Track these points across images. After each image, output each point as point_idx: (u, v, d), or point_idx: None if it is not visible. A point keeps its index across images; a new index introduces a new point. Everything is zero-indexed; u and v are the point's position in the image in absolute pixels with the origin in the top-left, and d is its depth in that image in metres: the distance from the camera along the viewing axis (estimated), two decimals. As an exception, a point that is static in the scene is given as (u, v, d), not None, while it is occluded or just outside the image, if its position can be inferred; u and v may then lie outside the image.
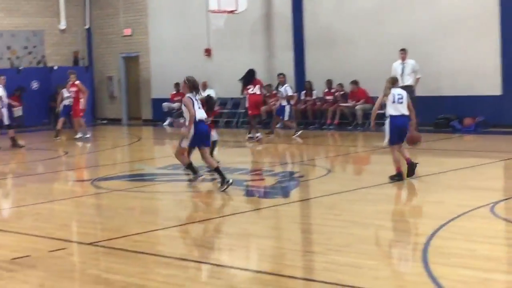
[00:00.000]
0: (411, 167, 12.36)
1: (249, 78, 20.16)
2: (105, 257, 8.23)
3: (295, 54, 23.87)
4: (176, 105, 26.08)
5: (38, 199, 12.44)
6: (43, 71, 27.94)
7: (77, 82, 22.16)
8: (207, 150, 12.53)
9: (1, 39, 27.53)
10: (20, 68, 27.34)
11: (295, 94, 22.06)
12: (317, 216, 10.11)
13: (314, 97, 23.08)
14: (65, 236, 9.39)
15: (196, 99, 12.39)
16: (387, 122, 12.38)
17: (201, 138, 12.34)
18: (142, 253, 8.14)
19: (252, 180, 13.38)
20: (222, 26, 23.08)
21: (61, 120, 22.40)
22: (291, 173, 14.07)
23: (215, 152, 14.96)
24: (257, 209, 10.54)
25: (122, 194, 12.58)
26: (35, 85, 27.21)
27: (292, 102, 21.29)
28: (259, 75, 23.74)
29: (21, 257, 8.07)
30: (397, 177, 12.28)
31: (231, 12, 22.48)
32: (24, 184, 14.38)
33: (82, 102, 21.95)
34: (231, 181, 11.92)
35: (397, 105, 12.31)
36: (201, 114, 12.29)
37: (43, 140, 22.86)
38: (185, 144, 12.53)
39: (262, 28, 24.70)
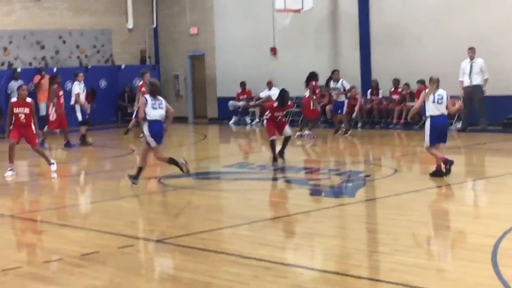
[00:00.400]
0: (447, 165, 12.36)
1: (307, 80, 20.35)
2: (172, 254, 8.31)
3: (361, 53, 23.72)
4: (241, 103, 26.19)
5: (107, 196, 12.64)
6: (111, 70, 28.35)
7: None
8: (160, 147, 13.09)
9: (70, 38, 28.01)
10: (88, 66, 27.78)
11: (352, 86, 21.98)
12: (383, 216, 10.03)
13: (380, 96, 22.89)
14: (133, 233, 9.52)
15: (154, 100, 12.83)
16: (427, 122, 12.47)
17: (154, 137, 12.89)
18: (209, 250, 8.19)
19: (318, 179, 13.34)
20: (288, 25, 23.06)
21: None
22: (357, 173, 13.98)
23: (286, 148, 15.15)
24: (323, 209, 10.51)
25: (189, 192, 12.69)
26: (103, 83, 27.62)
27: (349, 95, 21.44)
28: (325, 74, 23.68)
29: (91, 253, 8.20)
30: (436, 174, 12.44)
31: (297, 11, 22.46)
32: (93, 181, 14.61)
33: None
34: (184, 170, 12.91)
35: (437, 105, 12.48)
36: (155, 114, 12.78)
37: (111, 138, 23.19)
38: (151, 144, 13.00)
39: (328, 26, 24.62)
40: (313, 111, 20.70)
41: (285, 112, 16.01)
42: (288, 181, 13.09)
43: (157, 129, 12.94)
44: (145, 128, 12.90)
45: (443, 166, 12.35)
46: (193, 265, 7.57)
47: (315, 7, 22.72)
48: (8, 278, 7.44)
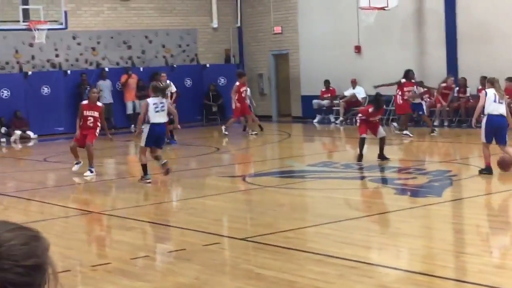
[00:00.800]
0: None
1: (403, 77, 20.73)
2: (257, 253, 8.34)
3: (447, 51, 23.35)
4: (326, 102, 26.12)
5: (192, 194, 12.77)
6: (196, 69, 28.63)
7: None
8: (158, 150, 13.76)
9: (156, 38, 28.42)
10: (174, 66, 28.13)
11: (426, 89, 21.79)
12: (471, 216, 9.86)
13: (467, 94, 22.47)
14: (218, 231, 9.60)
15: (159, 103, 13.41)
16: (484, 119, 12.74)
17: (155, 139, 13.54)
18: (294, 249, 8.19)
19: (404, 179, 13.19)
20: (372, 23, 22.87)
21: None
22: (444, 172, 13.76)
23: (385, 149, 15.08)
24: (408, 208, 10.39)
25: (273, 190, 12.72)
26: (188, 82, 27.93)
27: (426, 98, 21.71)
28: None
29: (177, 251, 8.30)
30: (485, 171, 12.62)
31: (382, 8, 22.25)
32: (178, 179, 14.78)
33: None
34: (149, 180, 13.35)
35: (497, 105, 12.61)
36: (158, 118, 13.37)
37: (196, 136, 23.43)
38: (143, 143, 13.58)
39: (413, 24, 24.32)
40: (399, 108, 20.76)
41: (380, 116, 15.92)
42: (373, 180, 12.99)
43: (160, 132, 13.60)
44: (146, 130, 13.41)
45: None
46: (278, 264, 7.58)
47: (400, 5, 22.46)
48: (97, 273, 7.60)
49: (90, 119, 14.81)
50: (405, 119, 20.88)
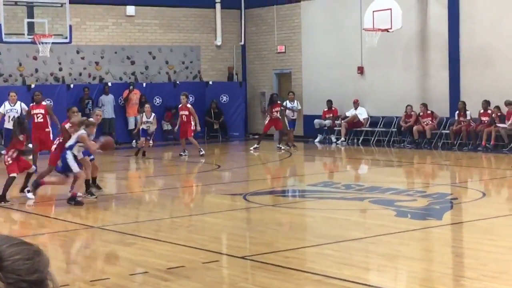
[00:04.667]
0: None
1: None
2: (256, 272, 8.32)
3: (450, 73, 23.40)
4: (327, 122, 26.14)
5: (192, 211, 12.77)
6: (198, 86, 28.67)
7: (189, 105, 22.33)
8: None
9: (160, 54, 28.50)
10: (177, 82, 28.18)
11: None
12: (471, 240, 9.84)
13: (468, 117, 22.49)
14: (217, 249, 9.59)
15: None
16: None
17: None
18: (293, 269, 8.18)
19: (404, 201, 13.17)
20: (376, 44, 22.93)
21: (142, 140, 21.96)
22: (444, 195, 13.75)
23: None
24: (408, 231, 10.37)
25: (273, 209, 12.72)
26: (190, 99, 27.94)
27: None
28: (414, 93, 23.57)
29: (176, 267, 8.28)
30: None
31: (386, 30, 22.31)
32: (178, 196, 14.78)
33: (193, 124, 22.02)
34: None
35: None
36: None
37: (197, 153, 23.40)
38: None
39: (417, 46, 24.38)
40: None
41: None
42: (373, 202, 12.98)
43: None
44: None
45: None
46: (277, 283, 7.56)
47: (404, 27, 22.53)
48: (96, 289, 7.58)
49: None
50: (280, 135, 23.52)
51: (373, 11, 22.39)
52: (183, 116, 21.67)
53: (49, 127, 18.20)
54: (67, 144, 13.43)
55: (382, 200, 13.03)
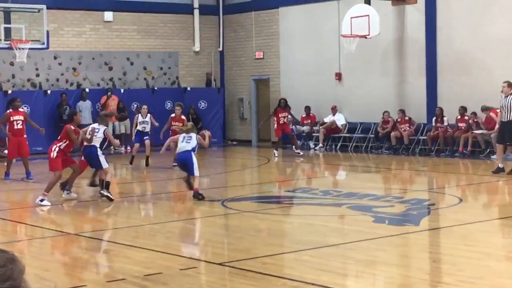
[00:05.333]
0: None
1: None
2: (234, 278, 8.31)
3: (427, 80, 23.52)
4: (306, 128, 26.18)
5: (170, 217, 12.74)
6: (176, 92, 28.62)
7: (183, 117, 21.34)
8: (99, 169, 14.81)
9: (138, 60, 28.43)
10: (155, 88, 28.13)
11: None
12: (448, 246, 9.89)
13: (445, 123, 22.62)
14: (195, 255, 9.57)
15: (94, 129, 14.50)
16: None
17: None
18: (271, 275, 8.17)
19: (382, 207, 13.21)
20: (354, 51, 23.01)
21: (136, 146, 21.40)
22: (422, 201, 13.81)
23: None
24: (386, 236, 10.40)
25: (252, 215, 12.71)
26: (168, 105, 27.89)
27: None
28: (391, 100, 23.75)
29: (154, 274, 8.25)
30: None
31: (363, 36, 22.40)
32: (156, 202, 14.73)
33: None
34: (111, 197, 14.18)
35: None
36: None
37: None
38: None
39: (394, 53, 24.50)
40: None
41: None
42: (351, 208, 13.01)
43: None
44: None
45: None
46: (255, 290, 7.56)
47: (382, 33, 22.63)
48: (73, 296, 7.54)
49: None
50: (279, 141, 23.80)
51: (351, 18, 22.48)
52: (176, 128, 20.65)
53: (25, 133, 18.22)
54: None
55: (360, 206, 13.07)
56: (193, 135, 14.40)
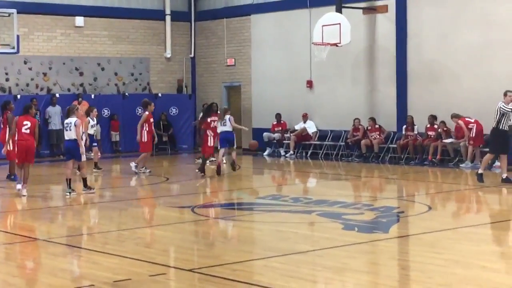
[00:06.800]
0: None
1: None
2: (203, 284, 8.30)
3: (397, 88, 23.67)
4: (276, 135, 26.22)
5: (140, 223, 12.69)
6: (148, 98, 28.48)
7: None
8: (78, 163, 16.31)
9: (109, 66, 28.33)
10: (126, 94, 28.02)
11: None
12: (417, 253, 9.95)
13: (415, 132, 22.77)
14: (165, 261, 9.54)
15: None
16: None
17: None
18: (240, 282, 8.17)
19: (351, 214, 13.26)
20: (325, 59, 23.11)
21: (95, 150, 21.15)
22: (391, 208, 13.88)
23: None
24: (355, 244, 10.45)
25: (221, 222, 12.71)
26: (139, 111, 27.77)
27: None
28: (361, 108, 23.92)
29: (123, 280, 8.22)
30: None
31: (334, 44, 22.51)
32: (126, 208, 14.67)
33: None
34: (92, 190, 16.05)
35: None
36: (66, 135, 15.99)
37: (146, 165, 23.28)
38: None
39: (365, 61, 24.63)
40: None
41: None
42: (321, 215, 13.04)
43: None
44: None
45: None
46: (224, 296, 7.55)
47: (353, 42, 22.77)
48: (40, 302, 7.48)
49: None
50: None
51: (322, 26, 22.60)
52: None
53: None
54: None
55: (330, 213, 13.11)
56: (227, 117, 19.85)
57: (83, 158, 16.11)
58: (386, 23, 23.91)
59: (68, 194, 15.74)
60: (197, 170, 19.85)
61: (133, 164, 20.27)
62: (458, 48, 22.22)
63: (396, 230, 11.70)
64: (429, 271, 8.53)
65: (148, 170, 20.36)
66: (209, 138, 19.77)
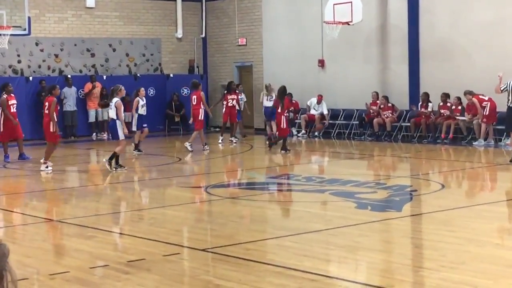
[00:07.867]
0: None
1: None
2: (217, 264, 8.33)
3: (409, 67, 23.58)
4: (288, 114, 26.15)
5: (153, 204, 12.73)
6: (159, 78, 28.57)
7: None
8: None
9: (120, 47, 28.33)
10: (137, 75, 28.03)
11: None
12: (430, 231, 9.94)
13: (429, 109, 22.66)
14: (178, 241, 9.57)
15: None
16: None
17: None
18: (253, 261, 8.19)
19: (364, 193, 13.26)
20: (336, 37, 23.02)
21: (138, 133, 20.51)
22: (404, 187, 13.87)
23: None
24: (368, 222, 10.45)
25: (234, 201, 12.73)
26: (151, 92, 27.81)
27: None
28: (373, 87, 23.82)
29: (137, 260, 8.26)
30: None
31: (346, 23, 22.41)
32: (140, 189, 14.72)
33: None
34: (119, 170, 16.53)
35: None
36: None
37: (158, 146, 23.33)
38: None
39: (377, 39, 24.53)
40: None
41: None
42: (333, 194, 13.05)
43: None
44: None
45: None
46: (237, 275, 7.57)
47: (364, 20, 22.65)
48: (55, 282, 7.53)
49: None
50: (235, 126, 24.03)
51: (334, 4, 22.49)
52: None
53: None
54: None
55: (343, 192, 13.11)
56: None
57: (121, 137, 16.50)
58: (398, 1, 23.79)
59: (114, 169, 16.46)
60: (281, 151, 20.09)
61: (187, 144, 20.80)
62: (470, 26, 22.09)
63: (409, 209, 11.69)
64: (442, 249, 8.53)
65: (189, 145, 20.78)
66: (282, 119, 20.37)
